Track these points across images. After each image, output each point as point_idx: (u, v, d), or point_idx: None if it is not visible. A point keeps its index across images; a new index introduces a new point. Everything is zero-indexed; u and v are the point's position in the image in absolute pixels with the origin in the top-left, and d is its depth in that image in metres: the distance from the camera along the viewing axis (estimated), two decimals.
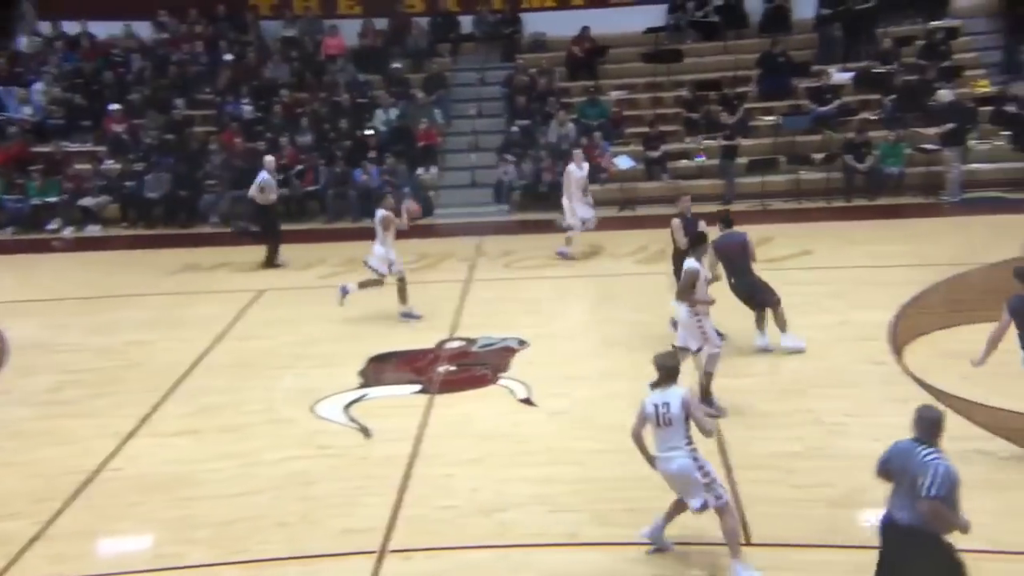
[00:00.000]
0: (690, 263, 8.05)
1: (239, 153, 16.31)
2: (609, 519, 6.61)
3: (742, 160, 15.31)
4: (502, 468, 7.47)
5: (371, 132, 16.36)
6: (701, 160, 15.73)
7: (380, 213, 10.83)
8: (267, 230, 13.49)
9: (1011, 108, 14.32)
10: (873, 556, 6.00)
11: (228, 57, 17.96)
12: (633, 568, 6.13)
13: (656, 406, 5.89)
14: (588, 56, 17.44)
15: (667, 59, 17.21)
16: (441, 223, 15.49)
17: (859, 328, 9.63)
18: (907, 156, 14.63)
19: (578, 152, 13.26)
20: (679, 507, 6.09)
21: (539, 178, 15.61)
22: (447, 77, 17.60)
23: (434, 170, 16.40)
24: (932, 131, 14.58)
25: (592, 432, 7.94)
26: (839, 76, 15.82)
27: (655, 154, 15.70)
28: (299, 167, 16.04)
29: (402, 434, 8.09)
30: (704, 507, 5.84)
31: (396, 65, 17.67)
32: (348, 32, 18.23)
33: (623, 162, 15.60)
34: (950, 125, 14.06)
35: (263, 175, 13.27)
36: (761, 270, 11.77)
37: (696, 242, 8.32)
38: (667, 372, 5.94)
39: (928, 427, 4.95)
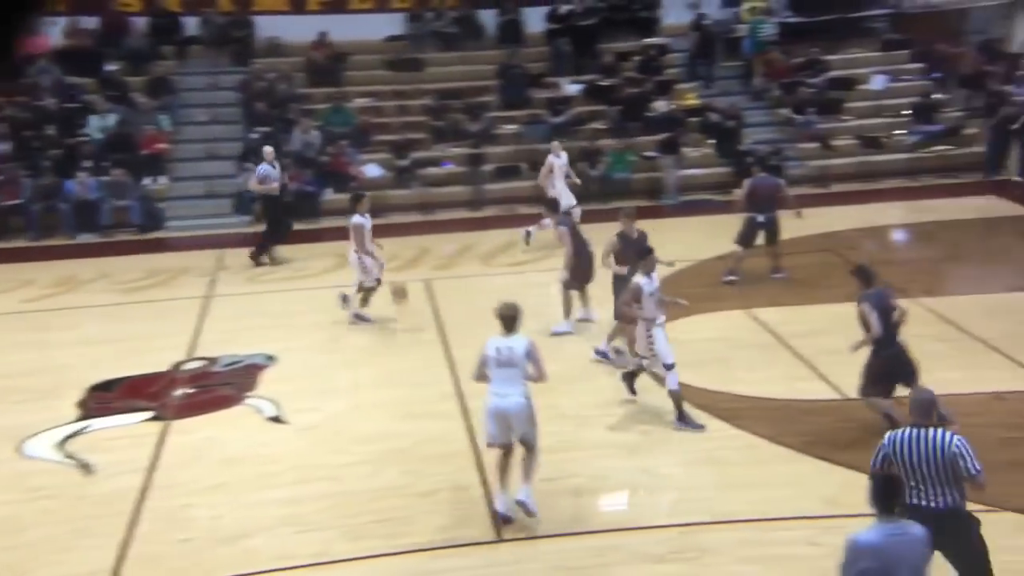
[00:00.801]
0: (635, 279, 7.99)
1: None
2: (361, 533, 6.43)
3: (488, 167, 15.72)
4: (247, 492, 7.04)
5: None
6: (449, 167, 15.95)
7: (352, 219, 10.25)
8: (271, 221, 13.01)
9: (715, 118, 15.93)
10: (615, 538, 6.35)
11: None
12: None
13: (499, 348, 6.47)
14: (329, 62, 17.08)
15: (410, 67, 17.29)
16: (174, 236, 14.40)
17: (596, 325, 10.14)
18: (633, 163, 15.76)
19: (556, 142, 13.67)
20: (506, 465, 6.53)
21: (284, 187, 15.01)
22: (173, 81, 16.43)
23: (163, 180, 15.22)
24: (651, 140, 15.84)
25: (344, 445, 7.73)
26: (570, 88, 16.73)
27: (404, 162, 15.70)
28: None
29: (131, 466, 7.36)
30: (527, 441, 6.46)
31: (112, 67, 16.19)
32: (51, 30, 16.39)
33: (371, 170, 15.42)
34: (666, 134, 15.35)
35: (263, 166, 12.82)
36: (506, 273, 12.27)
37: (642, 256, 8.16)
38: (508, 320, 6.53)
39: (927, 409, 5.03)
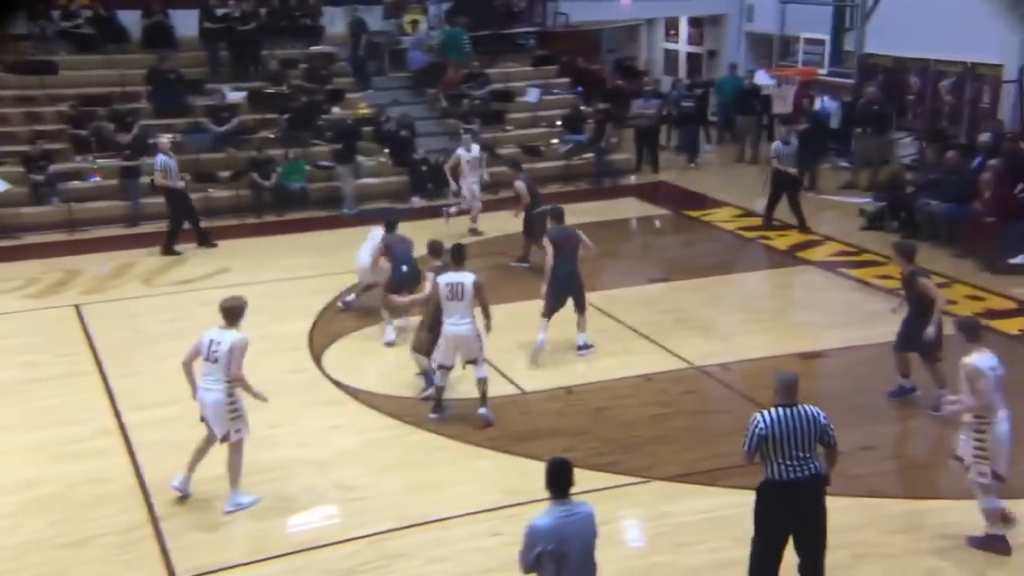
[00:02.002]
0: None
1: None
2: None
3: (145, 180, 14.44)
4: None
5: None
6: (96, 180, 14.41)
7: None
8: (178, 214, 12.83)
9: (389, 127, 16.10)
10: (303, 558, 6.10)
11: None
12: None
13: (211, 341, 6.51)
14: None
15: (39, 71, 15.32)
16: None
17: (280, 340, 9.76)
18: (307, 172, 15.41)
19: (467, 135, 13.60)
20: (203, 449, 6.68)
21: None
22: None
23: None
24: (326, 149, 15.63)
25: None
26: (233, 95, 15.92)
27: (40, 176, 13.87)
28: None
29: None
30: (226, 438, 6.57)
31: None
32: None
33: None
34: (340, 144, 15.21)
35: (160, 157, 12.58)
36: (172, 293, 11.35)
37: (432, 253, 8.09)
38: (227, 313, 6.58)
39: (793, 388, 5.28)
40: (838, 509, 6.37)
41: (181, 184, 13.00)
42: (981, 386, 5.83)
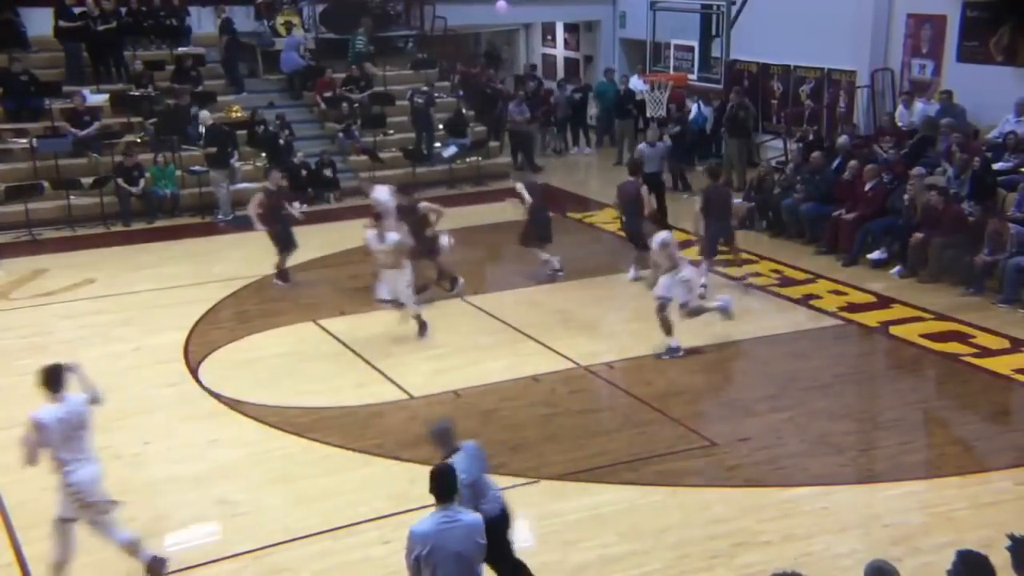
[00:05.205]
0: None
1: None
2: None
3: None
4: None
5: None
6: None
7: None
8: None
9: (263, 130, 15.63)
10: None
11: None
12: None
13: None
14: None
15: None
16: None
17: (154, 353, 9.38)
18: (179, 178, 14.80)
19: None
20: None
21: None
22: None
23: None
24: (198, 153, 15.03)
25: None
26: (94, 98, 15.11)
27: None
28: None
29: None
30: None
31: None
32: None
33: None
34: (212, 148, 14.66)
35: None
36: (38, 304, 10.70)
37: None
38: None
39: (448, 436, 5.28)
40: (718, 500, 6.63)
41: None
42: (43, 438, 5.31)
